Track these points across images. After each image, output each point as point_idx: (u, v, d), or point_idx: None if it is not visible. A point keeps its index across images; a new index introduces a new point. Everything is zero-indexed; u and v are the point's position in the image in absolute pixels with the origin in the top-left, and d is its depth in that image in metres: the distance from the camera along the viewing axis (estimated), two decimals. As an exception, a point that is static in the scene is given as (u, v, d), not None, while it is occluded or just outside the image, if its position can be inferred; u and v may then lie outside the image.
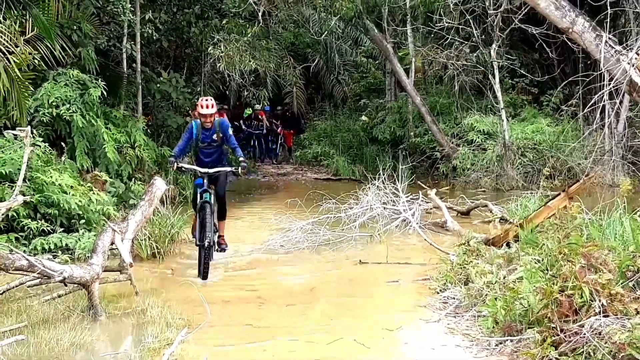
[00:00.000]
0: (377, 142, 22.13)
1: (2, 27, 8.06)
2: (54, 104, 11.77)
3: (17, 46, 10.04)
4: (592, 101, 8.56)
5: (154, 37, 15.23)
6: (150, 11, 15.29)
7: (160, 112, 16.47)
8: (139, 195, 12.23)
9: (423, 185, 13.81)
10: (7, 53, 8.64)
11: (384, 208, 11.73)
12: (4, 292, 7.37)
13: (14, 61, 9.13)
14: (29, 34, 11.19)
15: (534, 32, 16.00)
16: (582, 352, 5.22)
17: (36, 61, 11.21)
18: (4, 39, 8.26)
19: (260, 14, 15.75)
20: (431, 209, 12.96)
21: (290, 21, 18.64)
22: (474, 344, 6.16)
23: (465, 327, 6.61)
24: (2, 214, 6.75)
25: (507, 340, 5.94)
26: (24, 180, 8.59)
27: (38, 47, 11.56)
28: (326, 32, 19.69)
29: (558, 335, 5.44)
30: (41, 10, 9.96)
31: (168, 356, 5.51)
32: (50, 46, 11.88)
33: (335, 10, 17.41)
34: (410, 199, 12.23)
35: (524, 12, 13.88)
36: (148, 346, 6.11)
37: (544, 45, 16.62)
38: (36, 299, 7.46)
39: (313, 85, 27.87)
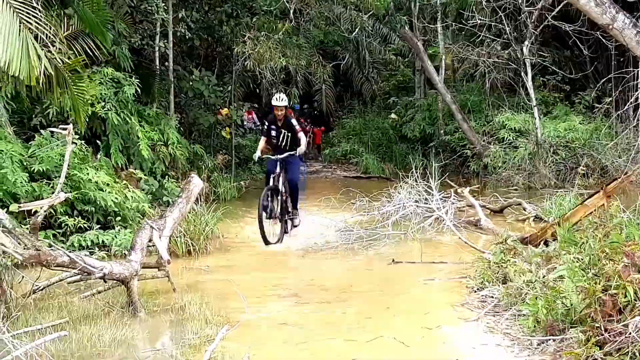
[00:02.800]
0: (406, 140, 22.03)
1: (44, 25, 8.11)
2: (89, 102, 11.84)
3: (53, 44, 10.12)
4: (633, 98, 8.46)
5: (186, 36, 15.32)
6: (182, 10, 15.39)
7: (191, 110, 16.56)
8: (172, 192, 12.34)
9: (452, 184, 13.71)
10: (53, 51, 8.69)
11: (417, 206, 11.67)
12: (44, 287, 7.48)
13: (65, 60, 9.22)
14: (65, 32, 11.28)
15: (567, 29, 15.92)
16: (628, 352, 5.14)
17: (71, 60, 11.30)
18: (49, 35, 8.31)
19: (291, 11, 15.77)
20: (464, 207, 12.89)
21: (321, 18, 18.59)
22: (515, 343, 6.09)
23: (505, 326, 6.54)
24: (45, 211, 6.81)
25: (549, 339, 5.87)
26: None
27: (73, 46, 11.65)
28: (357, 30, 19.57)
29: (602, 335, 5.36)
30: (88, 7, 10.05)
31: (210, 353, 5.52)
32: (84, 44, 11.96)
33: (366, 7, 17.36)
34: (443, 197, 12.15)
35: (556, 9, 13.77)
36: (188, 343, 6.15)
37: (577, 42, 16.51)
38: (76, 296, 7.54)
39: (342, 83, 27.78)
